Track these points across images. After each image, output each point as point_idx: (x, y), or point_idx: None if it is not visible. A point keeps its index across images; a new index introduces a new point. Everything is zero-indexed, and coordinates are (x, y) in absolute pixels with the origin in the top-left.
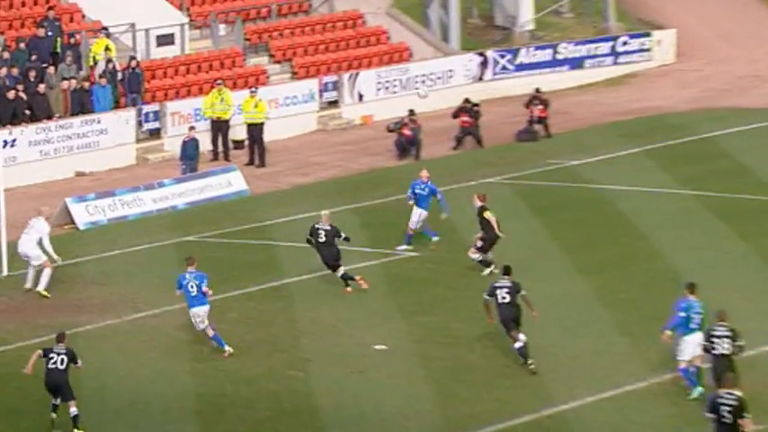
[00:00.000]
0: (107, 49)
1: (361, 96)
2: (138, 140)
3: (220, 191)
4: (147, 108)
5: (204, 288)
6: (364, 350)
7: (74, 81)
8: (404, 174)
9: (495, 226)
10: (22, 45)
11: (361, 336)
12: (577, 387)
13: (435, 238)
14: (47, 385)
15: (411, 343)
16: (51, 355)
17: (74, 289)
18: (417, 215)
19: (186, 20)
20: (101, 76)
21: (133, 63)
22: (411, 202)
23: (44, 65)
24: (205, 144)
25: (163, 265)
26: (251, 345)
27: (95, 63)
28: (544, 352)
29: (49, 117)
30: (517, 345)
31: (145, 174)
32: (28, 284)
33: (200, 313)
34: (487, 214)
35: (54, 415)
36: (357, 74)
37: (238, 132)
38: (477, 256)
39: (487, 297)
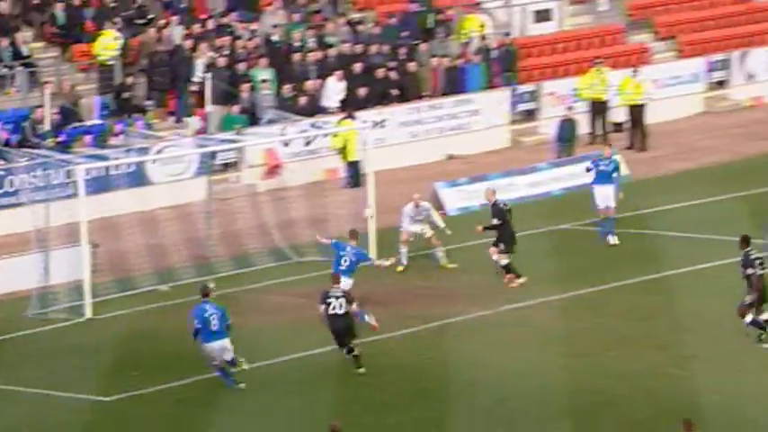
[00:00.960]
0: (480, 25)
1: (751, 76)
2: (512, 122)
3: None
4: (521, 88)
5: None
6: (754, 348)
7: (445, 59)
8: None
9: None
10: (393, 20)
11: (748, 332)
12: None
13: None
14: (331, 330)
15: None
16: (329, 300)
17: (444, 278)
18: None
19: None
20: (474, 54)
21: (507, 40)
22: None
23: (415, 42)
24: (583, 126)
25: (536, 255)
26: (628, 340)
27: (468, 40)
28: None
29: (419, 97)
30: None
31: (519, 157)
32: (404, 262)
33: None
34: None
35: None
36: (747, 52)
37: (619, 114)
38: None
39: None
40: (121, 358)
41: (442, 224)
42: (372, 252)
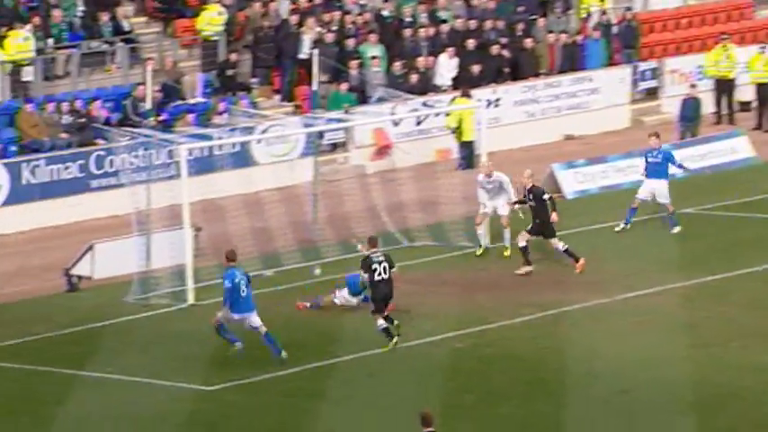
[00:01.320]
0: None
1: None
2: (633, 101)
3: (724, 158)
4: (643, 65)
5: None
6: None
7: (563, 35)
8: None
9: None
10: None
11: None
12: None
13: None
14: (377, 297)
15: None
16: (374, 267)
17: (560, 264)
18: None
19: None
20: (594, 30)
21: (629, 15)
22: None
23: (532, 17)
24: (707, 105)
25: (658, 240)
26: (755, 330)
27: (588, 15)
28: None
29: (536, 74)
30: None
31: (640, 138)
32: (482, 243)
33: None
34: None
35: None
36: None
37: (746, 93)
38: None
39: None
40: (225, 346)
41: (513, 197)
42: (486, 238)
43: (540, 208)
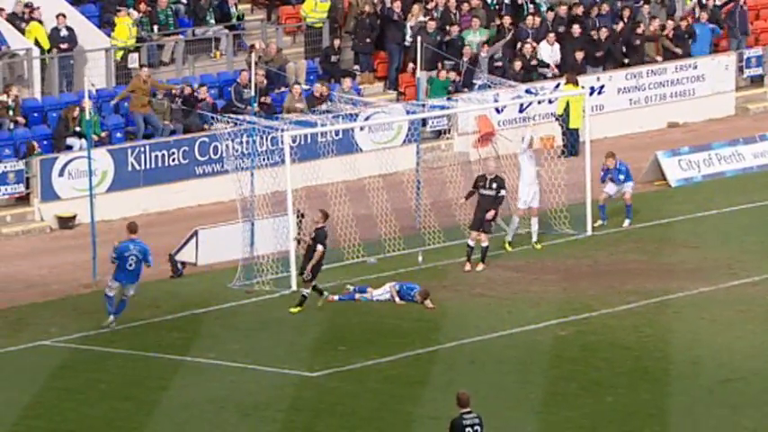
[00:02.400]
0: None
1: None
2: (738, 88)
3: None
4: (749, 52)
5: None
6: None
7: (669, 21)
8: None
9: None
10: None
11: None
12: None
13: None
14: (319, 268)
15: None
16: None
17: (664, 252)
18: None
19: None
20: (700, 15)
21: (736, 2)
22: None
23: (637, 3)
24: None
25: (763, 228)
26: None
27: (694, 1)
28: None
29: (641, 62)
30: None
31: (744, 126)
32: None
33: None
34: None
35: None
36: None
37: None
38: None
39: None
40: (327, 333)
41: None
42: (588, 224)
43: (491, 200)
